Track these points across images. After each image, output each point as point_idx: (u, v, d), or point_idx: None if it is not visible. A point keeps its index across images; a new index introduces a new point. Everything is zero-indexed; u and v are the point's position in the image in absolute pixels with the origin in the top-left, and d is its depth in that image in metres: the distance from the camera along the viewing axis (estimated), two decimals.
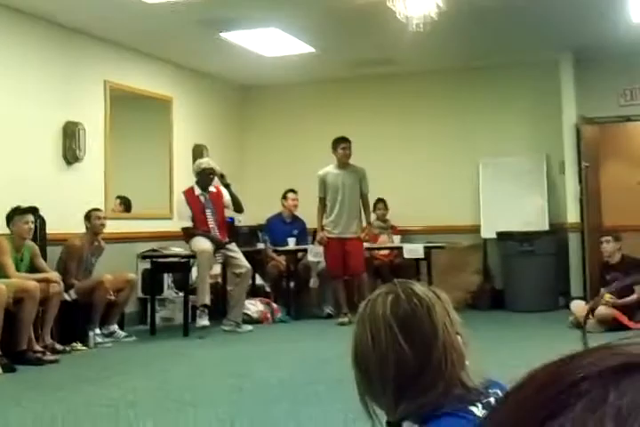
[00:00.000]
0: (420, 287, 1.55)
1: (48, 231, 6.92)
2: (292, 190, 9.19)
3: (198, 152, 9.26)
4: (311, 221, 8.80)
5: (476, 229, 9.17)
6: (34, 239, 6.60)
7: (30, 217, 6.44)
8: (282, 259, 8.73)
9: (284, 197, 9.19)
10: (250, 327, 7.49)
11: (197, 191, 7.70)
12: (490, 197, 9.21)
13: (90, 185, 7.76)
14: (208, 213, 7.63)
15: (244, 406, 4.56)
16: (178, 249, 7.71)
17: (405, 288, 1.53)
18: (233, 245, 7.69)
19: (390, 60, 9.05)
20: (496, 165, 9.23)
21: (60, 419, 4.25)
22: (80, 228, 7.10)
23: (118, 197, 8.31)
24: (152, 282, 7.71)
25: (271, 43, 8.14)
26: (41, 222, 6.78)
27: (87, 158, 7.70)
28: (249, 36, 7.88)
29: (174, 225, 8.09)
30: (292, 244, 8.75)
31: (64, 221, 7.08)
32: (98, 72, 7.97)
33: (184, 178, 8.48)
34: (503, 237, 8.79)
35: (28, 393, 4.96)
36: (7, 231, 6.39)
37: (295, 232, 8.93)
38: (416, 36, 7.12)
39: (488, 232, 9.02)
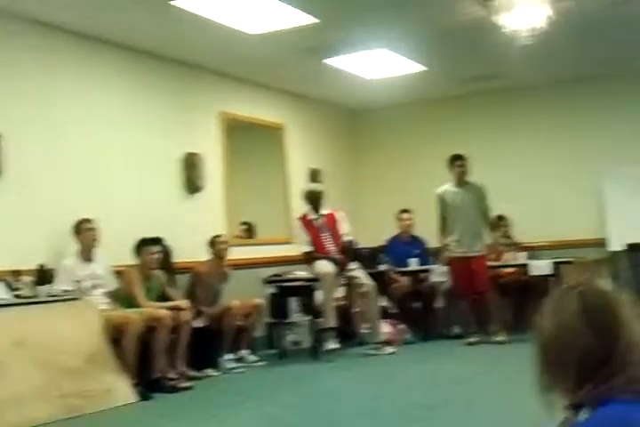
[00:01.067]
0: (603, 283, 1.63)
1: (174, 260, 7.04)
2: (406, 210, 9.11)
3: (314, 176, 9.32)
4: (431, 241, 8.70)
5: (601, 242, 8.86)
6: (161, 268, 6.71)
7: (156, 247, 6.57)
8: (405, 280, 8.63)
9: (398, 217, 9.12)
10: (392, 349, 7.42)
11: (311, 216, 7.72)
12: (618, 207, 8.87)
13: (212, 213, 7.91)
14: (324, 236, 7.62)
15: None
16: (301, 273, 7.72)
17: (591, 283, 1.62)
18: (354, 264, 7.65)
19: (499, 75, 8.92)
20: (621, 174, 8.90)
21: None
22: (205, 255, 7.20)
23: (243, 222, 8.45)
24: (278, 306, 7.75)
25: (377, 64, 8.13)
26: (167, 252, 6.91)
27: (208, 187, 7.86)
28: (353, 59, 7.90)
29: (295, 249, 8.12)
30: (413, 264, 8.67)
31: (189, 249, 7.20)
32: (212, 103, 8.16)
33: (301, 202, 8.50)
34: (635, 248, 8.47)
35: (164, 420, 5.04)
36: (135, 262, 6.53)
37: (416, 252, 8.83)
38: (524, 49, 7.03)
39: (616, 244, 8.70)
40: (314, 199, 7.78)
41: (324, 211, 7.79)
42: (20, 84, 6.16)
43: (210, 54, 7.56)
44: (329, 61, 7.91)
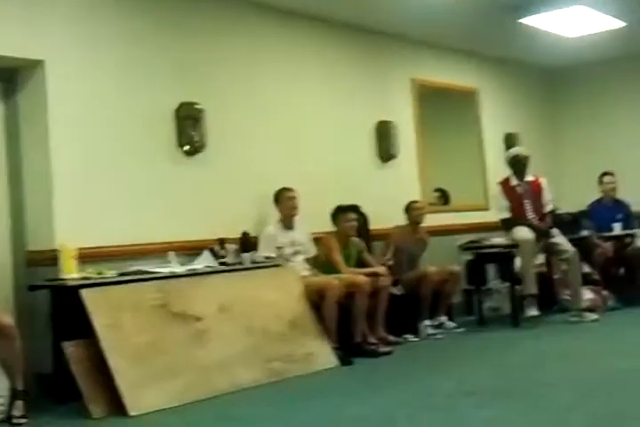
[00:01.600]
0: None
1: (370, 227, 7.12)
2: (608, 173, 8.71)
3: (510, 141, 9.11)
4: (636, 204, 8.33)
5: None
6: (358, 235, 6.80)
7: (352, 215, 6.66)
8: (608, 245, 8.30)
9: (600, 181, 8.75)
10: (595, 316, 7.20)
11: (514, 182, 7.51)
12: None
13: (406, 180, 7.93)
14: (526, 203, 7.41)
15: (589, 396, 4.37)
16: (499, 239, 7.59)
17: None
18: (555, 231, 7.43)
19: None
20: None
21: (399, 409, 4.29)
22: (400, 222, 7.23)
23: (437, 189, 8.42)
24: (476, 273, 7.67)
25: (574, 22, 7.80)
26: (363, 219, 6.99)
27: (401, 155, 7.88)
28: (550, 18, 7.61)
29: (491, 216, 7.99)
30: (617, 229, 8.34)
31: (384, 216, 7.24)
32: (404, 71, 8.14)
33: (497, 168, 8.37)
34: None
35: (366, 384, 5.08)
36: (333, 229, 6.65)
37: (619, 216, 8.47)
38: None
39: None
40: (518, 165, 7.55)
41: (529, 177, 7.58)
42: (220, 60, 6.39)
43: (400, 21, 7.51)
44: (525, 21, 7.67)
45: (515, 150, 7.83)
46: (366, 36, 7.71)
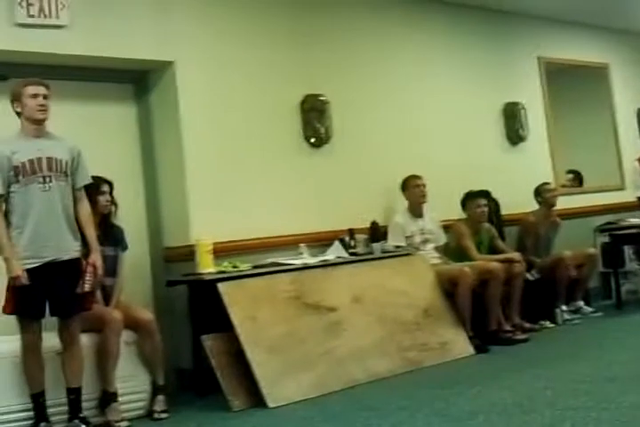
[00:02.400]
0: None
1: (502, 212, 7.01)
2: None
3: None
4: None
5: None
6: (490, 221, 6.71)
7: (483, 201, 6.57)
8: None
9: None
10: None
11: None
12: None
13: (537, 163, 7.75)
14: None
15: None
16: (636, 220, 7.35)
17: None
18: None
19: None
20: None
21: (539, 395, 4.23)
22: (532, 206, 7.10)
23: (569, 171, 8.20)
24: (613, 255, 7.46)
25: None
26: (494, 204, 6.89)
27: (531, 137, 7.71)
28: None
29: (627, 196, 7.74)
30: None
31: (516, 200, 7.12)
32: (530, 49, 7.95)
33: (632, 145, 8.10)
34: None
35: (503, 372, 5.03)
36: (463, 215, 6.59)
37: None
38: None
39: None
40: None
41: None
42: (344, 49, 6.39)
43: None
44: None
45: None
46: (491, 15, 7.56)
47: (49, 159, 4.09)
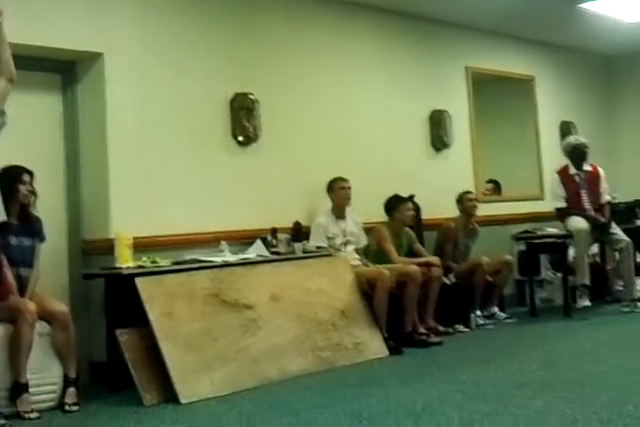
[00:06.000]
0: None
1: (422, 217, 7.12)
2: None
3: (566, 129, 9.02)
4: None
5: None
6: (409, 226, 6.81)
7: (410, 204, 6.68)
8: None
9: None
10: None
11: (572, 170, 7.42)
12: None
13: (459, 170, 7.88)
14: (583, 193, 7.32)
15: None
16: (552, 229, 7.54)
17: None
18: (613, 224, 7.33)
19: None
20: None
21: (449, 399, 4.29)
22: (452, 212, 7.22)
23: (489, 180, 8.36)
24: (529, 263, 7.63)
25: (635, 6, 7.66)
26: (416, 209, 6.99)
27: (455, 144, 7.84)
28: (609, 3, 7.48)
29: (545, 206, 7.93)
30: None
31: (436, 206, 7.24)
32: (458, 59, 8.08)
33: (552, 157, 8.30)
34: None
35: (416, 374, 5.10)
36: (385, 219, 6.68)
37: None
38: None
39: None
40: (578, 153, 7.44)
41: (587, 166, 7.48)
42: (275, 50, 6.42)
43: (455, 8, 7.46)
44: (585, 6, 7.54)
45: (574, 138, 7.72)
46: (421, 23, 7.67)
47: None
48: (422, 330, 6.23)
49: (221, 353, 4.90)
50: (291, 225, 6.11)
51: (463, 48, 8.13)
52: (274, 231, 5.93)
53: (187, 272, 5.16)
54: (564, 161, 7.50)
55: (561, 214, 7.41)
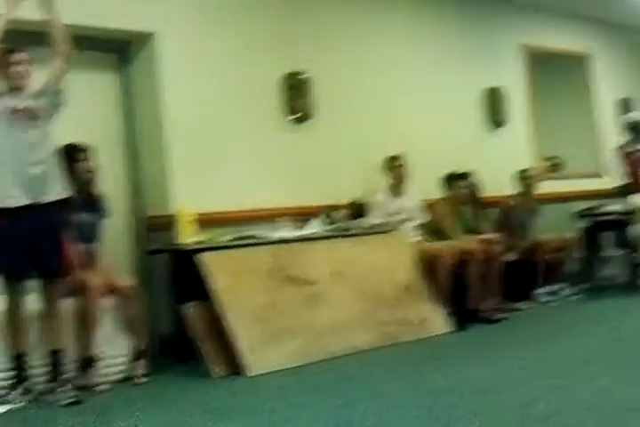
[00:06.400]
0: None
1: (482, 194, 7.03)
2: None
3: (624, 106, 8.86)
4: None
5: None
6: (469, 203, 6.73)
7: (465, 182, 6.61)
8: None
9: None
10: None
11: (632, 147, 7.29)
12: None
13: (516, 147, 7.79)
14: None
15: None
16: (615, 206, 7.40)
17: None
18: None
19: None
20: None
21: (512, 375, 4.24)
22: (511, 189, 7.13)
23: (549, 157, 8.23)
24: (592, 240, 7.50)
25: None
26: (475, 186, 6.90)
27: (511, 121, 7.75)
28: None
29: (605, 183, 7.79)
30: None
31: (496, 182, 7.13)
32: (514, 35, 7.99)
33: (611, 134, 8.15)
34: None
35: (480, 350, 5.05)
36: (444, 195, 6.62)
37: None
38: None
39: None
40: (636, 130, 7.34)
41: None
42: (327, 29, 6.39)
43: None
44: None
45: (635, 115, 7.59)
46: (475, 1, 7.57)
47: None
48: (486, 307, 6.16)
49: (287, 326, 4.89)
50: (349, 201, 6.07)
51: (518, 25, 8.04)
52: (332, 208, 5.89)
53: (248, 248, 5.15)
54: (623, 138, 7.37)
55: (622, 191, 7.28)
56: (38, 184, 4.07)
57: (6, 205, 4.01)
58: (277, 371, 4.59)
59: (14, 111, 4.05)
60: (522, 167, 7.25)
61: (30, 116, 4.09)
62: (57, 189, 4.16)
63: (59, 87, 4.23)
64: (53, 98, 4.21)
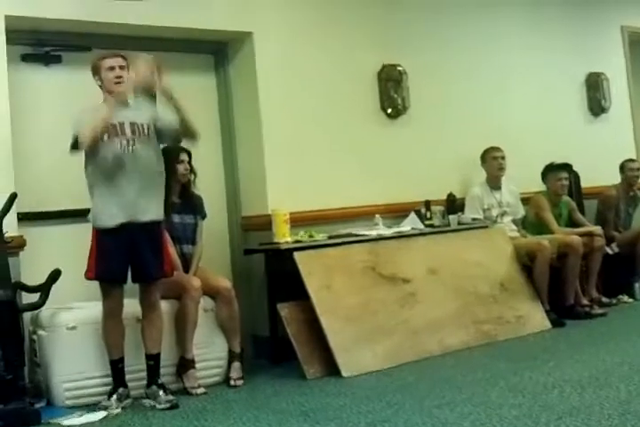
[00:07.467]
0: None
1: (582, 185, 6.89)
2: None
3: None
4: None
5: None
6: (569, 194, 6.61)
7: (564, 173, 6.46)
8: None
9: None
10: None
11: None
12: None
13: (619, 135, 7.58)
14: None
15: None
16: None
17: None
18: None
19: None
20: None
21: (615, 370, 4.19)
22: (613, 179, 6.95)
23: None
24: None
25: None
26: (575, 177, 6.77)
27: (613, 108, 7.56)
28: None
29: None
30: None
31: (597, 173, 6.97)
32: (614, 18, 7.75)
33: None
34: None
35: (579, 346, 4.99)
36: (543, 188, 6.51)
37: None
38: None
39: None
40: None
41: None
42: (421, 20, 6.32)
43: None
44: None
45: None
46: None
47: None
48: (585, 302, 6.07)
49: (381, 326, 4.91)
50: (445, 197, 6.04)
51: (618, 7, 7.77)
52: (428, 204, 5.86)
53: (343, 246, 5.18)
54: None
55: None
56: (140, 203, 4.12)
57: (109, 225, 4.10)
58: (372, 372, 4.61)
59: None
60: (624, 157, 7.04)
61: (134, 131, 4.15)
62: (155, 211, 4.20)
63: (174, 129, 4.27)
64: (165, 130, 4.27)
